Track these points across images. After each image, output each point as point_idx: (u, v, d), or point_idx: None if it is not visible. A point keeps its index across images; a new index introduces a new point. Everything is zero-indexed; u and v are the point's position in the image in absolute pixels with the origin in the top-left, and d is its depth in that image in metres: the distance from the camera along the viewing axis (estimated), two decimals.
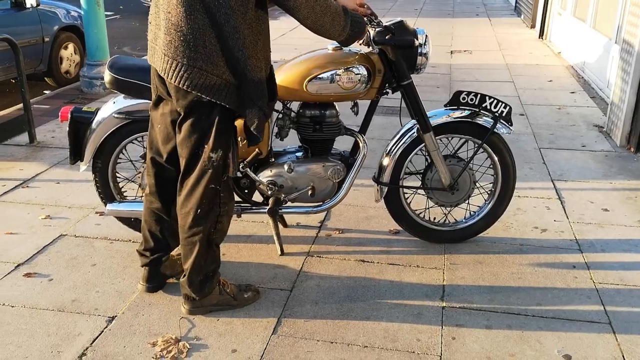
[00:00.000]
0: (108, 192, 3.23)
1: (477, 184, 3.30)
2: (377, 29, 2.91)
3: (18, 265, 3.14)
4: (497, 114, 3.16)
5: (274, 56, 7.55)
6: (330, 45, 3.00)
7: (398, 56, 2.96)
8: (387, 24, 2.93)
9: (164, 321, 2.71)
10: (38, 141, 4.99)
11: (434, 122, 3.13)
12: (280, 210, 3.12)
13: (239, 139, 2.68)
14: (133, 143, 3.21)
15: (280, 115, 3.08)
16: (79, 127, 3.14)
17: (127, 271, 3.10)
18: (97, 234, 3.46)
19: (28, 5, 6.67)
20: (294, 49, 8.65)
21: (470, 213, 3.44)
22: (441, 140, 3.21)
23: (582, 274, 3.11)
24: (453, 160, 3.23)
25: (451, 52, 8.88)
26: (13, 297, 2.88)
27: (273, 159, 3.12)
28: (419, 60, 3.00)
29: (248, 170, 3.03)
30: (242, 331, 2.65)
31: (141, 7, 14.31)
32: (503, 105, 3.17)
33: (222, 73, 2.39)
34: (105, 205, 3.23)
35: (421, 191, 3.33)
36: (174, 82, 2.40)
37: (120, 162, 3.25)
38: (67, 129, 3.14)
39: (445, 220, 3.43)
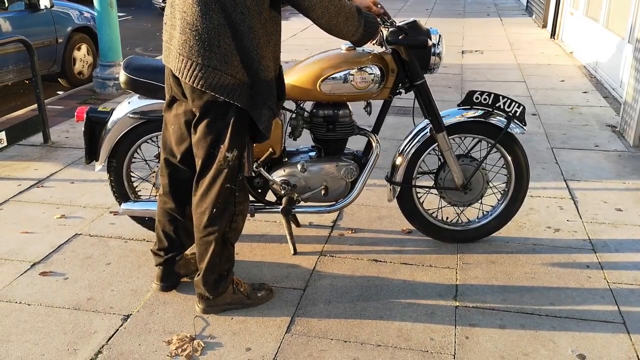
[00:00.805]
0: (122, 191, 3.26)
1: (490, 183, 3.30)
2: (390, 29, 2.92)
3: (34, 264, 3.17)
4: (510, 114, 3.16)
5: (285, 56, 7.58)
6: (343, 45, 3.01)
7: (411, 56, 2.96)
8: (400, 24, 2.93)
9: (178, 320, 2.73)
10: (52, 141, 5.03)
11: (447, 121, 3.13)
12: (293, 210, 3.13)
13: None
14: (148, 143, 3.24)
15: (294, 115, 3.09)
16: (95, 127, 3.17)
17: (142, 270, 3.12)
18: (111, 233, 3.49)
19: (42, 7, 6.73)
20: (304, 50, 8.67)
21: (483, 213, 3.44)
22: (454, 140, 3.21)
23: (595, 274, 3.10)
24: (466, 160, 3.23)
25: (462, 52, 8.86)
26: (29, 295, 2.91)
27: (286, 159, 3.13)
28: (433, 60, 3.01)
29: (261, 169, 3.05)
30: (256, 330, 2.67)
31: (153, 8, 14.38)
32: (517, 105, 3.17)
33: (236, 73, 2.41)
34: (120, 205, 3.26)
35: (434, 191, 3.34)
36: (189, 81, 2.42)
37: (135, 162, 3.28)
38: (83, 128, 3.17)
39: (458, 220, 3.43)
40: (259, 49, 2.42)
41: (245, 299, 2.81)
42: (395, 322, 2.72)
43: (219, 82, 2.40)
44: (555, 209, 3.81)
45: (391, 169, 3.23)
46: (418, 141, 3.17)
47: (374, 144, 3.13)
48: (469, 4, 15.06)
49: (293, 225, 3.44)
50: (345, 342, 2.59)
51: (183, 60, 2.42)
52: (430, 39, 2.95)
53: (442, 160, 3.24)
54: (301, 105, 3.09)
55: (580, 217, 3.71)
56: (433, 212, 3.38)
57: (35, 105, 5.27)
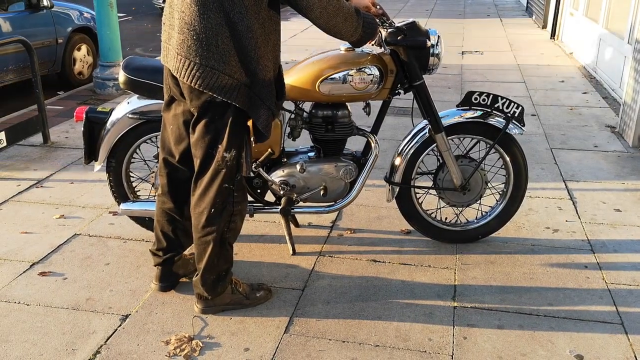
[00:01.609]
0: (122, 191, 3.26)
1: (488, 184, 3.30)
2: (389, 30, 2.92)
3: (33, 264, 3.18)
4: (509, 115, 3.16)
5: (285, 57, 7.59)
6: (342, 45, 3.01)
7: (410, 57, 2.97)
8: (399, 24, 2.93)
9: (177, 320, 2.74)
10: (52, 141, 5.03)
11: (445, 122, 3.13)
12: (292, 210, 3.13)
13: (251, 138, 2.70)
14: (147, 143, 3.24)
15: (293, 116, 3.10)
16: (94, 127, 3.17)
17: (141, 270, 3.12)
18: (110, 234, 3.49)
19: (42, 7, 6.73)
20: (304, 50, 8.67)
21: (481, 213, 3.44)
22: (453, 141, 3.22)
23: (594, 274, 3.10)
24: (465, 161, 3.24)
25: (462, 52, 8.86)
26: (28, 295, 2.91)
27: (285, 159, 3.13)
28: (431, 61, 3.01)
29: (260, 170, 3.05)
30: (255, 330, 2.67)
31: (153, 8, 14.39)
32: (515, 105, 3.17)
33: (234, 72, 2.41)
34: (119, 205, 3.26)
35: (433, 191, 3.34)
36: (187, 81, 2.42)
37: (134, 162, 3.28)
38: (82, 129, 3.18)
39: (456, 220, 3.44)
40: (257, 48, 2.42)
41: (244, 299, 2.81)
42: (394, 323, 2.73)
43: (217, 82, 2.40)
44: (554, 209, 3.82)
45: (390, 170, 3.23)
46: (417, 142, 3.18)
47: (373, 145, 3.14)
48: (469, 4, 15.07)
49: (292, 226, 3.44)
50: (344, 342, 2.60)
51: (181, 60, 2.42)
52: (429, 40, 2.95)
53: (440, 161, 3.24)
54: (300, 105, 3.10)
55: (579, 217, 3.71)
56: (432, 213, 3.38)
57: (35, 106, 5.27)
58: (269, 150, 3.01)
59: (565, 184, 4.20)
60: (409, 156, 3.18)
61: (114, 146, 3.16)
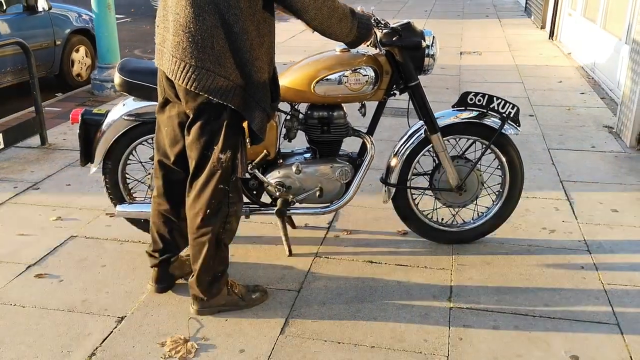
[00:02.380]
0: (118, 193, 3.26)
1: (485, 184, 3.30)
2: (384, 31, 2.92)
3: (29, 266, 3.18)
4: (504, 115, 3.16)
5: (283, 58, 7.58)
6: (337, 46, 3.01)
7: (405, 57, 2.97)
8: (394, 25, 2.94)
9: (172, 321, 2.73)
10: (49, 143, 5.04)
11: (441, 123, 3.14)
12: (288, 211, 3.13)
13: (247, 139, 2.70)
14: (143, 145, 3.24)
15: (288, 117, 3.10)
16: (90, 129, 3.17)
17: (137, 272, 3.12)
18: (107, 235, 3.49)
19: (40, 9, 6.74)
20: (303, 51, 8.65)
21: (478, 214, 3.44)
22: (449, 141, 3.21)
23: (590, 275, 3.10)
24: (461, 161, 3.24)
25: (460, 53, 8.86)
26: (24, 297, 2.91)
27: (281, 160, 3.13)
28: (426, 62, 3.01)
29: (256, 171, 3.05)
30: (250, 331, 2.67)
31: (152, 10, 14.39)
32: (511, 106, 3.17)
33: (229, 74, 2.41)
34: (115, 207, 3.26)
35: (429, 192, 3.34)
36: (182, 83, 2.42)
37: (130, 164, 3.28)
38: (78, 131, 3.18)
39: (453, 221, 3.43)
40: (252, 50, 2.42)
41: (240, 301, 2.81)
42: (390, 324, 2.72)
43: (212, 83, 2.40)
44: (551, 210, 3.81)
45: (386, 170, 3.23)
46: (413, 142, 3.18)
47: (368, 146, 3.13)
48: (468, 5, 15.06)
49: (288, 227, 3.44)
50: (339, 343, 2.60)
51: (176, 62, 2.42)
52: (424, 41, 2.95)
53: (437, 162, 3.24)
54: (296, 107, 3.10)
55: (576, 218, 3.71)
56: (428, 214, 3.38)
57: (32, 108, 5.27)
58: (265, 151, 3.01)
59: (562, 185, 4.20)
60: (405, 157, 3.18)
61: (109, 148, 3.15)
